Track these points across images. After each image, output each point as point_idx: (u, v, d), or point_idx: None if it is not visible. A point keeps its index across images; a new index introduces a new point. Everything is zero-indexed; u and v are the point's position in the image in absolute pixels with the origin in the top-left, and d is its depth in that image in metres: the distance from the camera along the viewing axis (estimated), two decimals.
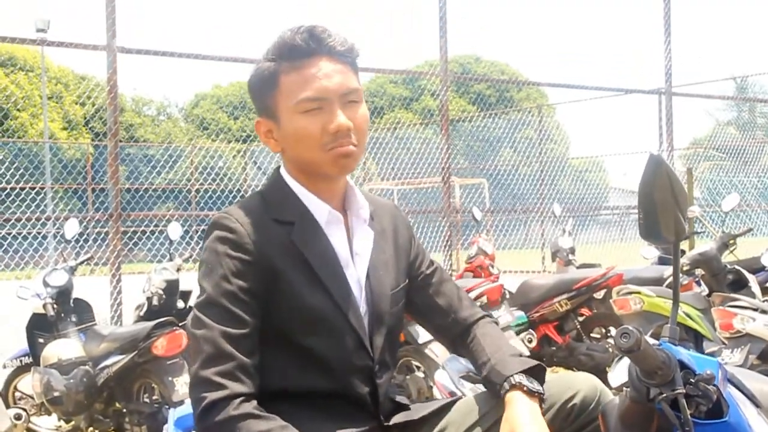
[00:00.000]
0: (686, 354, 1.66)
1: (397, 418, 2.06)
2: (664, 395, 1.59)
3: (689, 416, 1.58)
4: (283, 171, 2.07)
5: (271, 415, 1.80)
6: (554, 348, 7.04)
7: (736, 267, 6.87)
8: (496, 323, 2.21)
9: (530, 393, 1.89)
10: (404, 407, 2.11)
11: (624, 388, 1.69)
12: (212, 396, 1.79)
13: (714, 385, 1.61)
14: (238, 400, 1.79)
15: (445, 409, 2.09)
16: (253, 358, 1.86)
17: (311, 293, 1.93)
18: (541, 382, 1.95)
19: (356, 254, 2.04)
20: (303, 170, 2.02)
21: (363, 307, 2.02)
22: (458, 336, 2.16)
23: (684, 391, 1.58)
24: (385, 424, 2.04)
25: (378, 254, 2.07)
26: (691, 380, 1.60)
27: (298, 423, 1.82)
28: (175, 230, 6.62)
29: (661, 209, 1.65)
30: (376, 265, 2.06)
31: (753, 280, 6.73)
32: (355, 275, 2.03)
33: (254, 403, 1.82)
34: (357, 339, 1.98)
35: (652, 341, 1.67)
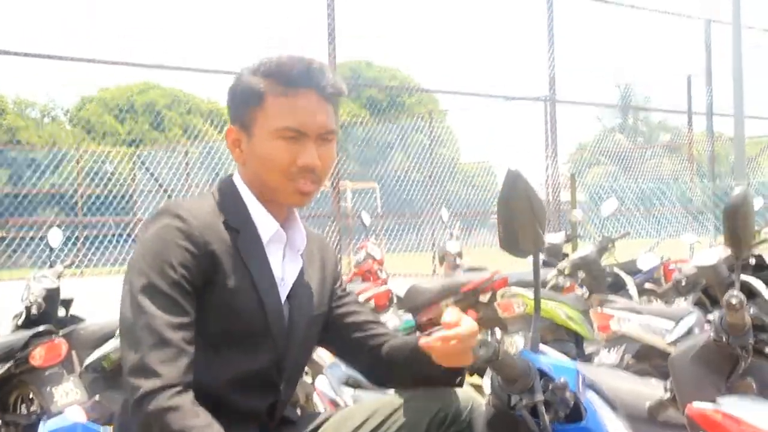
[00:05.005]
0: (546, 362, 1.71)
1: None
2: (524, 402, 1.64)
3: (547, 422, 1.63)
4: (236, 179, 2.10)
5: (200, 410, 1.80)
6: None
7: (615, 270, 7.10)
8: None
9: None
10: (290, 422, 2.14)
11: (487, 396, 1.73)
12: (147, 385, 1.78)
13: (571, 391, 1.67)
14: (171, 391, 1.78)
15: (324, 421, 2.12)
16: (192, 348, 1.86)
17: (246, 299, 1.97)
18: None
19: (282, 279, 2.07)
20: (258, 188, 2.06)
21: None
22: (375, 348, 2.19)
23: (543, 398, 1.63)
24: None
25: (302, 281, 2.11)
26: (550, 387, 1.65)
27: None
28: (55, 236, 6.43)
29: (519, 222, 1.70)
30: (299, 290, 2.10)
31: (630, 282, 6.97)
32: (282, 296, 2.06)
33: (189, 395, 1.81)
34: (274, 355, 2.02)
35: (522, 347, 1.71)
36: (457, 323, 1.88)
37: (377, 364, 2.18)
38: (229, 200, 2.06)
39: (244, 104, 2.04)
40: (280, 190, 2.02)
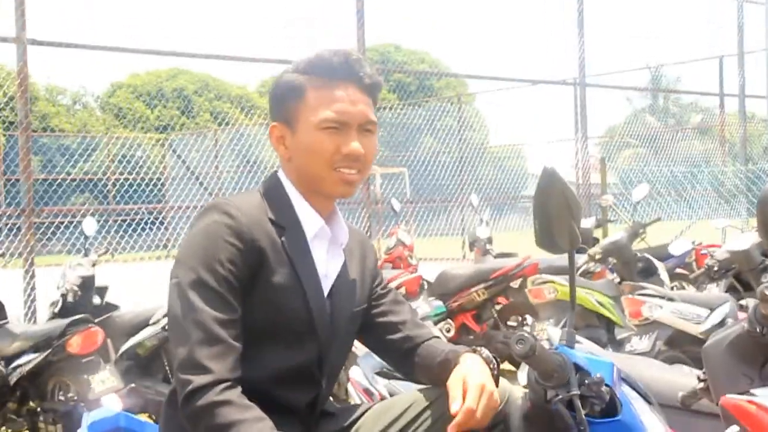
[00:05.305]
0: (582, 357, 1.72)
1: (323, 428, 2.13)
2: (560, 397, 1.65)
3: (584, 416, 1.65)
4: (281, 175, 2.14)
5: (250, 404, 1.84)
6: (472, 336, 7.15)
7: (646, 255, 7.06)
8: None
9: (485, 359, 1.97)
10: (329, 415, 2.17)
11: (524, 390, 1.75)
12: (198, 380, 1.82)
13: (607, 386, 1.68)
14: (222, 386, 1.83)
15: (363, 414, 2.15)
16: (240, 343, 1.90)
17: (291, 296, 2.00)
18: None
19: (325, 275, 2.10)
20: (303, 182, 2.10)
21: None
22: (408, 350, 2.21)
23: (578, 392, 1.65)
24: None
25: (344, 276, 2.15)
26: (586, 381, 1.67)
27: None
28: (89, 225, 6.51)
29: (555, 219, 1.71)
30: (341, 286, 2.13)
31: (661, 268, 6.93)
32: (325, 292, 2.09)
33: (238, 390, 1.85)
34: (316, 350, 2.05)
35: (556, 335, 1.73)
36: (463, 397, 1.85)
37: (411, 365, 2.21)
38: (274, 196, 2.09)
39: (286, 100, 2.08)
40: (326, 180, 2.06)
